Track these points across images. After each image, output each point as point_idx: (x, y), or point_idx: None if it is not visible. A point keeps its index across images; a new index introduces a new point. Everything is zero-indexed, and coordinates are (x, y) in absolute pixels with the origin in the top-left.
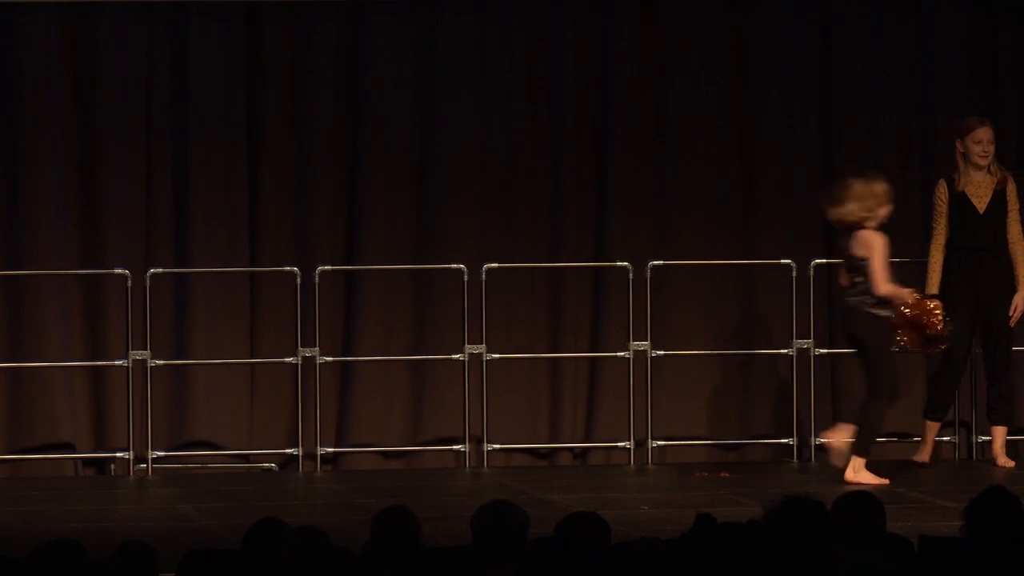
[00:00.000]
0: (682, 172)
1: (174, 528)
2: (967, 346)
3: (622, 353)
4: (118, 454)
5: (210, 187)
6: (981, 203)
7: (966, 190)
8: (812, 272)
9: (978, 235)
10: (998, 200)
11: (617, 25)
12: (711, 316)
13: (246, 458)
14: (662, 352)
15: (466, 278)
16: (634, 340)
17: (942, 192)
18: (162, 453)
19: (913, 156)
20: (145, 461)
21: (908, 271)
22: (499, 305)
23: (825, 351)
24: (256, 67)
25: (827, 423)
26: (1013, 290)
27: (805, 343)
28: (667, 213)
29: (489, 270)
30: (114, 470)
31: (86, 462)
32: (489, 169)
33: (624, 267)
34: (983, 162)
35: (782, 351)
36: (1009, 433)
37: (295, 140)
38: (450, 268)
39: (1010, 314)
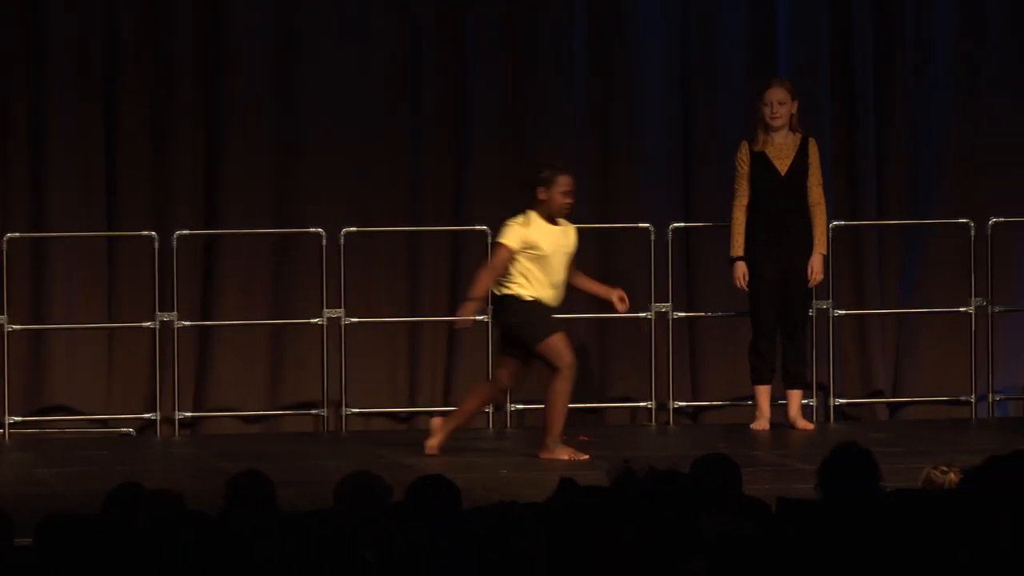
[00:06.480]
0: (540, 136)
1: (31, 493)
2: (776, 307)
3: (482, 317)
4: None
5: (67, 151)
6: (783, 164)
7: (766, 151)
8: (669, 236)
9: (780, 197)
10: (800, 162)
11: None
12: None
13: (104, 423)
14: None
15: (324, 242)
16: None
17: (743, 154)
18: (19, 418)
19: None
20: (2, 426)
21: (713, 234)
22: (357, 269)
23: (684, 314)
24: (113, 22)
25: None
26: (811, 253)
27: (664, 307)
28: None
29: (348, 234)
30: None
31: None
32: (347, 132)
33: (483, 231)
34: (775, 123)
35: (641, 315)
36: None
37: (153, 103)
38: (308, 232)
39: (808, 277)
